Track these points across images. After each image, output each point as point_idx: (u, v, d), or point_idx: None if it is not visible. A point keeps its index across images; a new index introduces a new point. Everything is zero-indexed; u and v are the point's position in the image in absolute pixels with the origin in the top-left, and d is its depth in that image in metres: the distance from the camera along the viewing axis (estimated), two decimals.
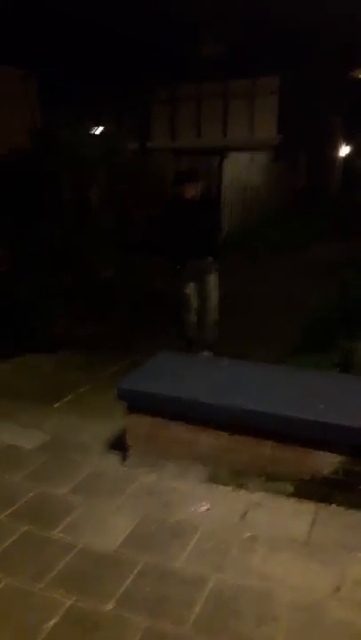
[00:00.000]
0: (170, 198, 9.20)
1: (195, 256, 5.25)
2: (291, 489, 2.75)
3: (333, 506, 2.67)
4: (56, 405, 4.13)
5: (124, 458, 3.14)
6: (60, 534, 2.55)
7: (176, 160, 12.89)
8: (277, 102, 20.04)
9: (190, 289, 5.34)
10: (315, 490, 2.72)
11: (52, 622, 2.04)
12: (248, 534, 2.51)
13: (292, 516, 2.62)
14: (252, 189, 13.80)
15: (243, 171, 13.24)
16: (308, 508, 2.66)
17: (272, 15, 11.93)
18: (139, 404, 3.06)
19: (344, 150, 23.09)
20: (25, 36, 11.53)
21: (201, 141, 21.12)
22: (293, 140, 18.69)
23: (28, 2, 10.13)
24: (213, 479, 2.89)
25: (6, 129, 6.95)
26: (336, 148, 22.83)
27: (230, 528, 2.57)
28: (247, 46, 14.90)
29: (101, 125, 22.12)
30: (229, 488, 2.85)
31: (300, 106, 18.08)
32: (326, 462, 2.72)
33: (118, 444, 3.28)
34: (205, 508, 2.71)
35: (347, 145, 23.00)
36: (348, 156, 23.17)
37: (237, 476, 2.85)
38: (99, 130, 21.54)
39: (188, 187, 5.16)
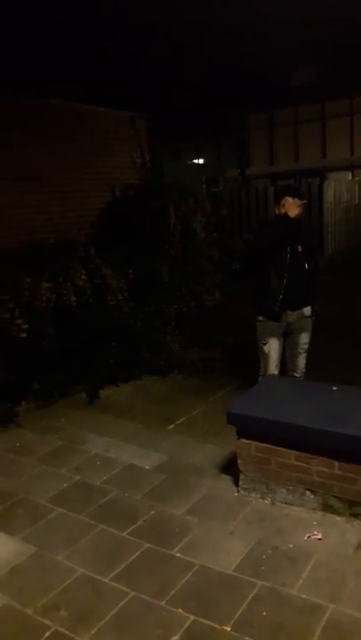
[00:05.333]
0: (265, 219, 8.47)
1: (290, 305, 3.93)
2: None
3: None
4: (170, 427, 4.27)
5: (236, 482, 3.20)
6: (179, 554, 2.67)
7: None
8: None
9: (272, 346, 4.03)
10: None
11: (173, 639, 2.15)
12: None
13: None
14: (355, 209, 13.41)
15: (345, 191, 12.93)
16: None
17: None
18: (248, 428, 3.08)
19: None
20: (133, 82, 12.51)
21: (299, 164, 21.00)
22: None
23: (132, 60, 11.30)
24: (326, 507, 2.87)
25: (120, 168, 7.51)
26: None
27: (345, 559, 2.54)
28: (343, 66, 14.71)
29: (202, 156, 22.84)
30: (343, 518, 2.81)
31: None
32: None
33: (230, 468, 3.35)
34: (319, 536, 2.70)
35: None
36: None
37: (351, 506, 2.80)
38: (200, 160, 22.26)
39: (292, 202, 3.84)
